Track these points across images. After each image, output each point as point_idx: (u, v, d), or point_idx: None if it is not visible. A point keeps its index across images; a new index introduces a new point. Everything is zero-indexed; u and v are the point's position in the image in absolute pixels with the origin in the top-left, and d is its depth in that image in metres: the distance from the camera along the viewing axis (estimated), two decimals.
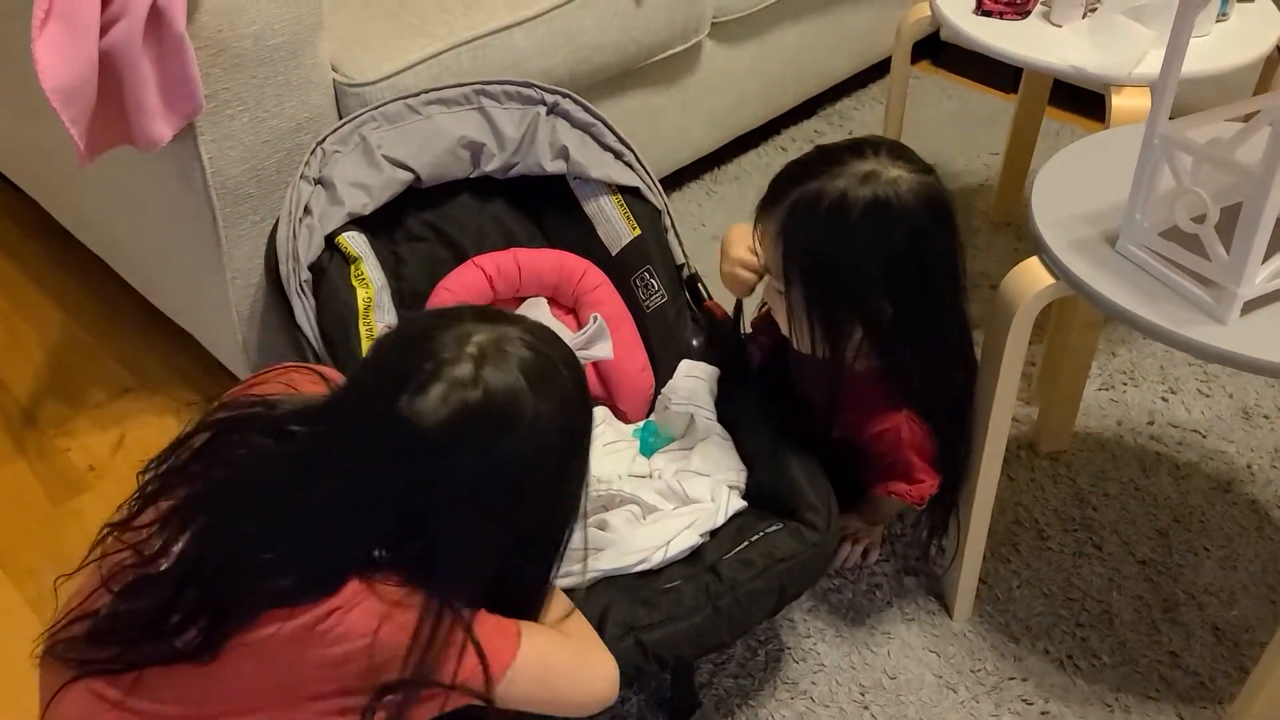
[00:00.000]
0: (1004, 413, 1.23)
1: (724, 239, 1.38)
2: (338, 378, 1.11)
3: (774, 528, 1.21)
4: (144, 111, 1.31)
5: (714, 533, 1.24)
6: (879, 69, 2.47)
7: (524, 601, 1.02)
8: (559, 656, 1.02)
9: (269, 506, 0.94)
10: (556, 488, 0.98)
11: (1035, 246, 1.15)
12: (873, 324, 1.22)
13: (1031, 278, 1.13)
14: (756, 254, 1.29)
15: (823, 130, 2.37)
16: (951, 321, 1.26)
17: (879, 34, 2.35)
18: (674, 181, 2.15)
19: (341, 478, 0.92)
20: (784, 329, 1.28)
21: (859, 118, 2.41)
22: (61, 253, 1.98)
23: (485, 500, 0.93)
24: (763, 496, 1.27)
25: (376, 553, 0.95)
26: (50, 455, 1.66)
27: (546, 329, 0.99)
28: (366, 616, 0.91)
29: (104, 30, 1.26)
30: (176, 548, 0.94)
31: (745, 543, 1.20)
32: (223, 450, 0.99)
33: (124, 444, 1.67)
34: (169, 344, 1.81)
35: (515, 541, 0.97)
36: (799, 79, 2.25)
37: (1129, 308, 1.04)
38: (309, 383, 1.10)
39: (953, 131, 2.37)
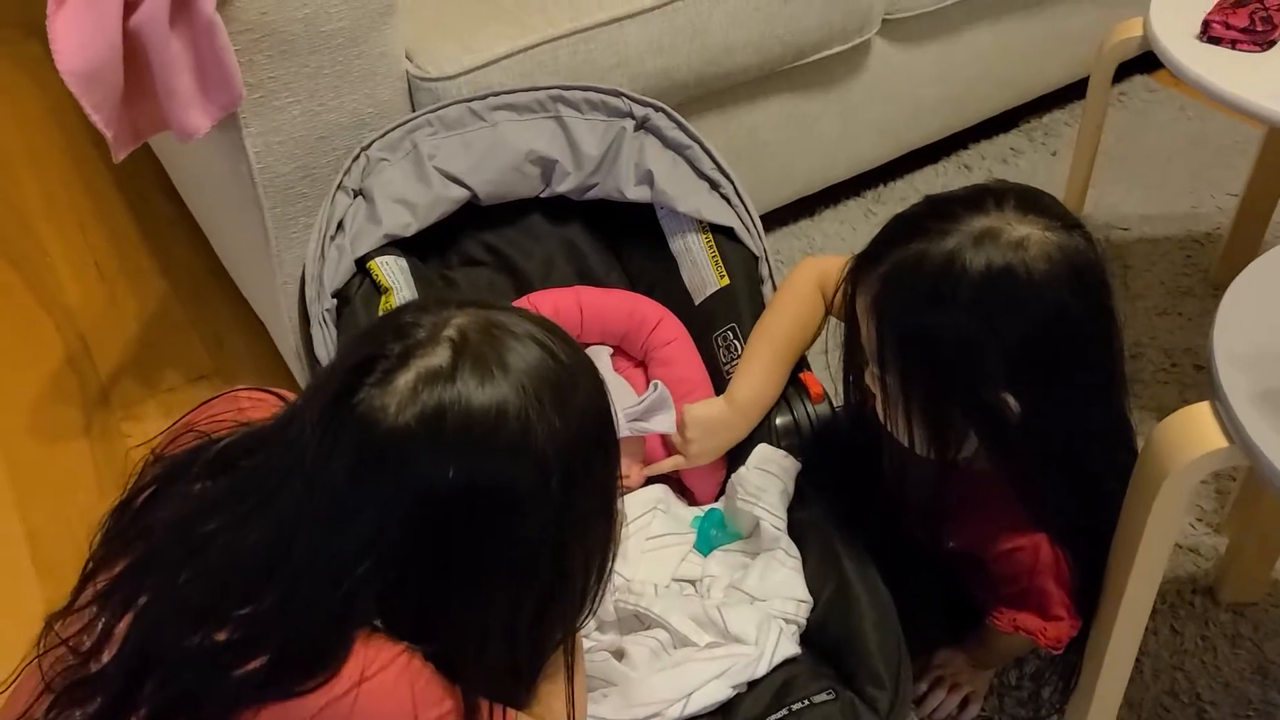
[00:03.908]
0: (1145, 592, 0.92)
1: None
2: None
3: (824, 698, 0.97)
4: (176, 99, 1.17)
5: (753, 682, 1.01)
6: None
7: (521, 667, 0.83)
8: None
9: (211, 567, 0.75)
10: (565, 536, 0.76)
11: (1210, 390, 0.84)
12: (992, 426, 0.96)
13: (1197, 433, 0.82)
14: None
15: (1020, 147, 2.02)
16: (1100, 426, 0.99)
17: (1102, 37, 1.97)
18: (828, 197, 1.87)
19: (295, 515, 0.73)
20: (883, 419, 1.02)
21: (1069, 135, 2.04)
22: (178, 216, 1.91)
23: (471, 547, 0.72)
24: (824, 643, 1.03)
25: (375, 621, 0.76)
26: (112, 438, 1.59)
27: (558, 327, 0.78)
28: (385, 698, 0.73)
29: (130, 8, 1.12)
30: (119, 632, 0.76)
31: (785, 710, 0.96)
32: (162, 506, 0.81)
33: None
34: (251, 331, 1.70)
35: (520, 600, 0.77)
36: (995, 88, 1.91)
37: None
38: (262, 407, 0.90)
39: (1185, 161, 1.97)
